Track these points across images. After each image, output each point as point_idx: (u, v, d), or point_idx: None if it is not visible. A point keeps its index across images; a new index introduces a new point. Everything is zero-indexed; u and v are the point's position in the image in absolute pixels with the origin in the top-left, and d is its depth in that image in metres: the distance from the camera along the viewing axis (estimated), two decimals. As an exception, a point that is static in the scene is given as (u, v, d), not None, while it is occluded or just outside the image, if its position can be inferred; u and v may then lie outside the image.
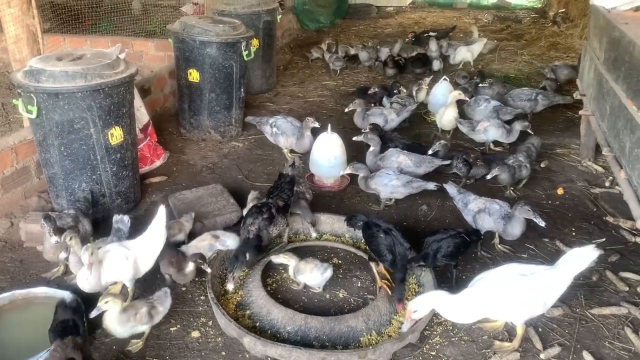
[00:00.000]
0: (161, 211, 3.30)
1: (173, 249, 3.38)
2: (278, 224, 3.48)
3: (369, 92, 6.47)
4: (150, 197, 4.45)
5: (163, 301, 3.03)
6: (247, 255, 3.25)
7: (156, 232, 3.29)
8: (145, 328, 2.93)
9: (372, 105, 6.14)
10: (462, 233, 3.40)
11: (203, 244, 3.54)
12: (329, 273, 3.31)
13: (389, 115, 5.47)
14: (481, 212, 3.70)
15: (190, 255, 3.32)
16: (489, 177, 4.35)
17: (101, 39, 7.33)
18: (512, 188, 4.61)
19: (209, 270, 3.22)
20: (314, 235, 3.90)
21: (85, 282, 3.04)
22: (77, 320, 2.73)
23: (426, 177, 4.50)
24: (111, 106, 3.81)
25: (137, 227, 3.55)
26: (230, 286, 3.19)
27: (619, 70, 3.80)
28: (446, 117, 5.60)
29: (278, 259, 3.47)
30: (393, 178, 4.21)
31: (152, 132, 5.00)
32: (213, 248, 3.53)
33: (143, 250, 3.24)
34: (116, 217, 3.56)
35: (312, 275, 3.30)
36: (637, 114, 3.28)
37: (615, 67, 3.92)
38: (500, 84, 6.42)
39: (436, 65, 8.01)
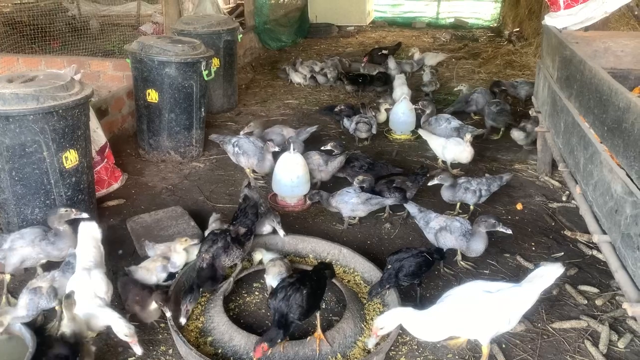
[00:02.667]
0: (88, 225, 3.25)
1: (138, 284, 3.24)
2: (231, 254, 3.35)
3: (335, 110, 6.55)
4: (107, 222, 4.32)
5: None
6: (202, 287, 3.16)
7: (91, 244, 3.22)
8: None
9: (339, 121, 6.25)
10: (425, 252, 3.41)
11: (155, 265, 3.44)
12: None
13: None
14: (442, 230, 3.73)
15: (154, 294, 3.14)
16: (430, 184, 4.44)
17: (57, 59, 7.16)
18: (460, 210, 4.62)
19: (168, 314, 3.05)
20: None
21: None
22: None
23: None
24: (65, 129, 3.69)
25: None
26: (182, 320, 3.07)
27: (571, 88, 3.91)
28: (454, 153, 5.32)
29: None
30: (353, 196, 4.23)
31: (110, 154, 4.87)
32: (166, 269, 3.44)
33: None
34: (71, 250, 3.37)
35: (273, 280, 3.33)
36: (589, 130, 3.38)
37: (567, 85, 4.04)
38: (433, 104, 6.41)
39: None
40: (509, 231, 3.57)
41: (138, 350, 2.82)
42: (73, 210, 3.45)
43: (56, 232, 3.42)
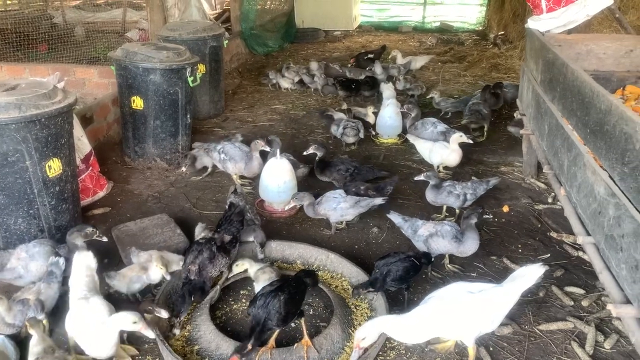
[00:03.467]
0: (83, 256, 3.12)
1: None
2: (217, 264, 3.32)
3: (328, 114, 6.65)
4: (93, 230, 4.27)
5: None
6: (193, 297, 3.15)
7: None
8: None
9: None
10: (412, 256, 3.41)
11: (131, 275, 3.40)
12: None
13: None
14: (433, 236, 3.71)
15: (141, 304, 3.09)
16: (415, 178, 4.58)
17: (41, 66, 7.11)
18: (447, 214, 4.64)
19: (178, 331, 3.06)
20: (260, 256, 3.80)
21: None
22: None
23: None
24: (48, 137, 3.66)
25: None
26: (176, 331, 3.07)
27: (554, 90, 3.94)
28: (439, 156, 5.30)
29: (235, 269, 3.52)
30: (341, 201, 4.20)
31: (95, 162, 4.83)
32: (141, 280, 3.39)
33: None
34: (52, 259, 3.33)
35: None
36: (572, 133, 3.40)
37: (551, 88, 4.07)
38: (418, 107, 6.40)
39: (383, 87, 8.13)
40: (490, 215, 3.79)
41: (150, 334, 2.80)
42: (97, 231, 3.53)
43: (71, 249, 3.42)
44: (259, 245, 3.81)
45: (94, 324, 2.81)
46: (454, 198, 4.40)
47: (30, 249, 3.43)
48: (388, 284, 3.31)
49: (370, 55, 9.32)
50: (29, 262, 3.37)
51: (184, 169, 5.27)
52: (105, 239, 3.58)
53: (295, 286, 2.99)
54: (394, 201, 4.84)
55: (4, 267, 3.38)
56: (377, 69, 8.59)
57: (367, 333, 2.76)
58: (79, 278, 3.03)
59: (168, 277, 3.41)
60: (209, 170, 5.32)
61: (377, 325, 2.78)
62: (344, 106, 7.02)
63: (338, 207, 4.21)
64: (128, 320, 2.77)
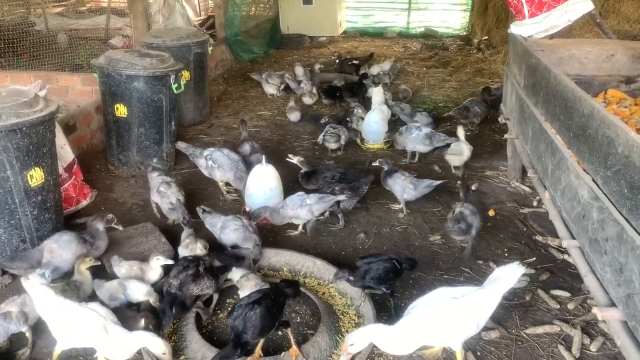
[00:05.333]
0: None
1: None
2: (200, 284, 3.25)
3: (321, 121, 6.72)
4: (76, 240, 4.21)
5: None
6: (174, 309, 3.12)
7: None
8: None
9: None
10: (394, 259, 3.43)
11: (114, 287, 3.35)
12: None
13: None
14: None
15: (141, 313, 3.08)
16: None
17: (23, 74, 7.03)
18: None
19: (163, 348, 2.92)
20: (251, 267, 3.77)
21: None
22: None
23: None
24: (30, 146, 3.61)
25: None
26: None
27: (537, 95, 3.97)
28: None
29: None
30: (305, 199, 4.25)
31: (78, 171, 4.77)
32: (119, 295, 3.33)
33: None
34: (38, 271, 3.27)
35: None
36: (556, 137, 3.43)
37: (534, 93, 4.10)
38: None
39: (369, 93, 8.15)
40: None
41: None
42: (115, 219, 3.87)
43: (94, 234, 3.69)
44: (252, 261, 3.75)
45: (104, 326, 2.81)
46: (398, 187, 4.70)
47: (57, 239, 3.53)
48: (367, 281, 3.33)
49: (355, 62, 9.33)
50: (61, 251, 3.47)
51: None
52: (121, 228, 3.98)
53: (274, 298, 2.95)
54: (380, 207, 4.85)
55: (40, 264, 3.42)
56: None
57: (356, 340, 2.75)
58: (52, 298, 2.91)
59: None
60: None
61: (367, 334, 2.78)
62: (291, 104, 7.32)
63: (304, 204, 4.23)
64: (159, 348, 2.77)
